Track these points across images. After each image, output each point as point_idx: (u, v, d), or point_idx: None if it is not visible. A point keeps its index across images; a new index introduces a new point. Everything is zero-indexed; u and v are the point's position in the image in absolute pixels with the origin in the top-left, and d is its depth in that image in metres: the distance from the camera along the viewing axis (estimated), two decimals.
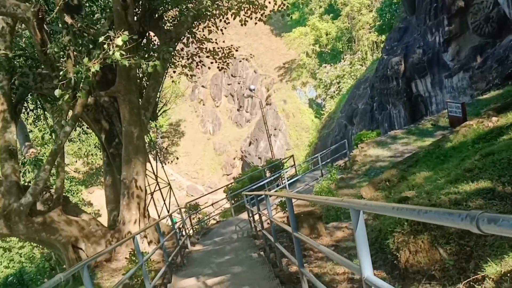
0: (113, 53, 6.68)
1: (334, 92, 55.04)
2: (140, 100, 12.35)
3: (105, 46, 6.87)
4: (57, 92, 7.20)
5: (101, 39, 6.72)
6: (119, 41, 6.58)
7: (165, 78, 13.84)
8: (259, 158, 59.66)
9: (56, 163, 11.41)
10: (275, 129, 59.29)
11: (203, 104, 75.50)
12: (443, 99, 27.34)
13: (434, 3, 26.71)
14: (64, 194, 12.06)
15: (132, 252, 9.06)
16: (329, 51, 62.55)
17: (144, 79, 14.46)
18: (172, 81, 22.48)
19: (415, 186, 10.27)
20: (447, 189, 6.82)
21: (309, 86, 64.32)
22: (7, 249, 29.79)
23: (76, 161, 38.70)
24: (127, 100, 10.69)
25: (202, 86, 76.11)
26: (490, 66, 23.60)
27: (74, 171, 38.16)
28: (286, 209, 13.39)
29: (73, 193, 37.44)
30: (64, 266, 13.09)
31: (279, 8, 13.20)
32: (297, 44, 62.73)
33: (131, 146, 11.18)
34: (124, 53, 7.23)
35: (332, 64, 57.73)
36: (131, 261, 8.78)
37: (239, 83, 70.75)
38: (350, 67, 53.87)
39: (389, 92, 31.33)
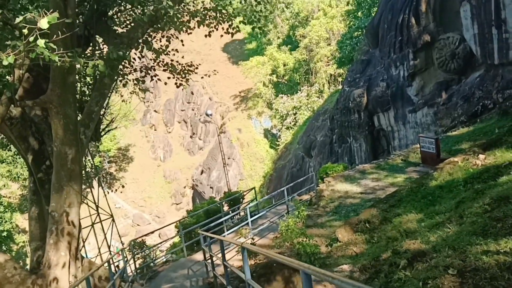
0: (35, 40, 4.72)
1: (290, 123, 54.21)
2: (79, 115, 10.24)
3: (25, 30, 4.89)
4: None
5: (18, 19, 4.74)
6: (44, 23, 4.62)
7: (112, 91, 11.82)
8: (211, 187, 57.39)
9: None
10: (228, 158, 57.40)
11: (155, 130, 72.76)
12: (406, 134, 26.65)
13: (399, 36, 26.22)
14: None
15: None
16: (286, 82, 62.14)
17: (86, 92, 12.30)
18: (122, 101, 20.32)
19: (408, 232, 8.69)
20: (479, 244, 5.20)
21: (265, 116, 63.45)
22: None
23: (4, 185, 34.85)
24: (61, 113, 8.57)
25: (155, 111, 73.60)
26: (456, 103, 23.08)
27: (5, 196, 34.43)
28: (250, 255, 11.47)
29: (3, 220, 33.61)
30: None
31: (249, 20, 11.56)
32: (254, 73, 61.83)
33: (64, 171, 8.98)
34: (54, 46, 5.27)
35: (288, 95, 57.06)
36: None
37: (193, 110, 68.84)
38: (307, 99, 53.35)
39: (350, 125, 30.41)
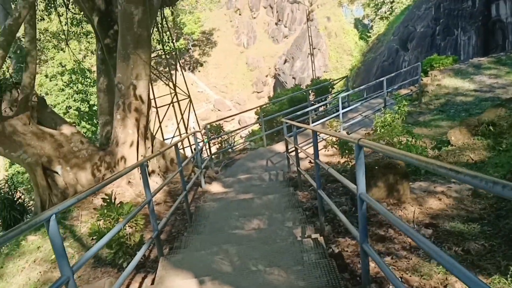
0: None
1: (386, 12, 49.15)
2: None
3: None
4: None
5: None
6: None
7: None
8: (294, 78, 55.42)
9: (25, 52, 8.03)
10: (314, 48, 54.32)
11: (240, 14, 70.05)
12: None
13: None
14: (39, 94, 8.72)
15: (108, 197, 5.81)
16: None
17: None
18: None
19: None
20: None
21: (357, 4, 58.36)
22: None
23: (85, 56, 34.72)
24: None
25: None
26: None
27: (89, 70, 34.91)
28: (341, 148, 9.90)
29: (90, 94, 34.44)
30: None
31: None
32: None
33: (130, 36, 7.62)
34: None
35: None
36: (105, 214, 5.56)
37: None
38: None
39: (461, 14, 26.24)
